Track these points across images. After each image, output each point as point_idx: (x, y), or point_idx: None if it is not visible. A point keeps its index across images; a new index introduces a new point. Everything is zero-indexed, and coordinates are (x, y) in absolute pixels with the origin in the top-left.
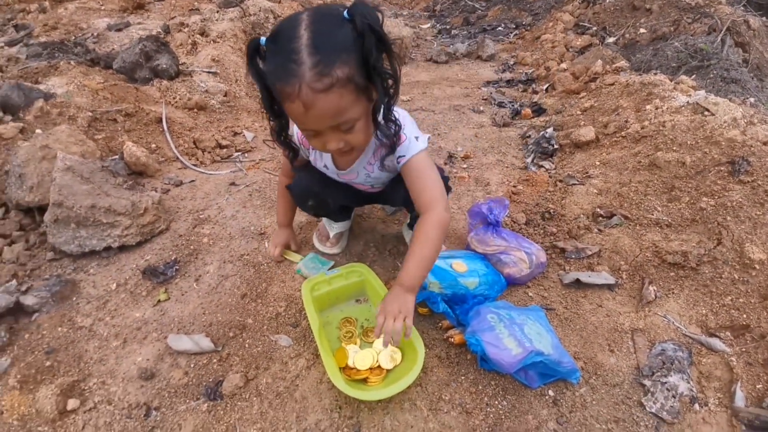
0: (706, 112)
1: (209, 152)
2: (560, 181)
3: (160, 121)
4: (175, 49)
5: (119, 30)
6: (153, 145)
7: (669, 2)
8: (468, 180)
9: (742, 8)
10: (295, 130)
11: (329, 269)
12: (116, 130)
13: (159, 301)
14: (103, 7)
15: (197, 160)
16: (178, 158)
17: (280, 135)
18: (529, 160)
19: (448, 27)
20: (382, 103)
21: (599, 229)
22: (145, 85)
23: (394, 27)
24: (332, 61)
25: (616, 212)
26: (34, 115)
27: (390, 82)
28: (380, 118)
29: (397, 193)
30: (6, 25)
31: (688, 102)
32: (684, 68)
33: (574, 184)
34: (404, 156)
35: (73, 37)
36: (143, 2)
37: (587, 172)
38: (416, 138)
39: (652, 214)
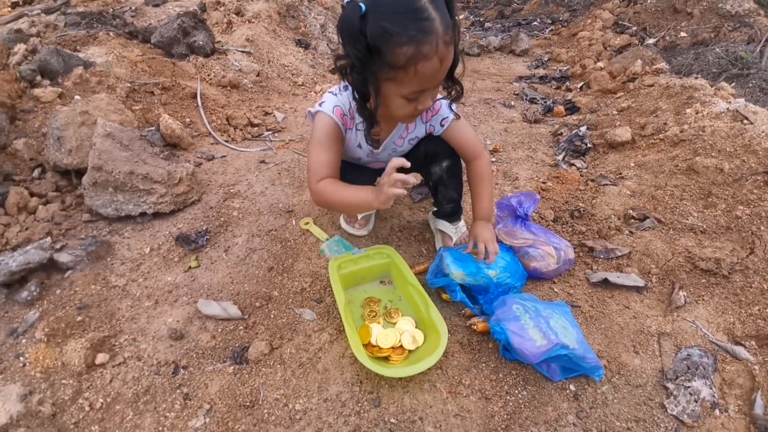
0: (745, 121)
1: (241, 129)
2: (592, 180)
3: (194, 96)
4: (210, 26)
5: (156, 5)
6: (187, 119)
7: (710, 8)
8: (496, 173)
9: None
10: (330, 110)
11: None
12: (153, 102)
13: (190, 267)
14: None
15: (229, 136)
16: (210, 133)
17: (366, 109)
18: (560, 157)
19: (481, 19)
20: (457, 60)
21: (630, 231)
22: (182, 60)
23: None
24: (446, 15)
25: (650, 215)
26: (73, 81)
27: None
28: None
29: (411, 163)
30: None
31: (728, 109)
32: (724, 75)
33: (607, 185)
34: (447, 118)
35: (111, 10)
36: None
37: (621, 173)
38: (448, 105)
39: (687, 219)
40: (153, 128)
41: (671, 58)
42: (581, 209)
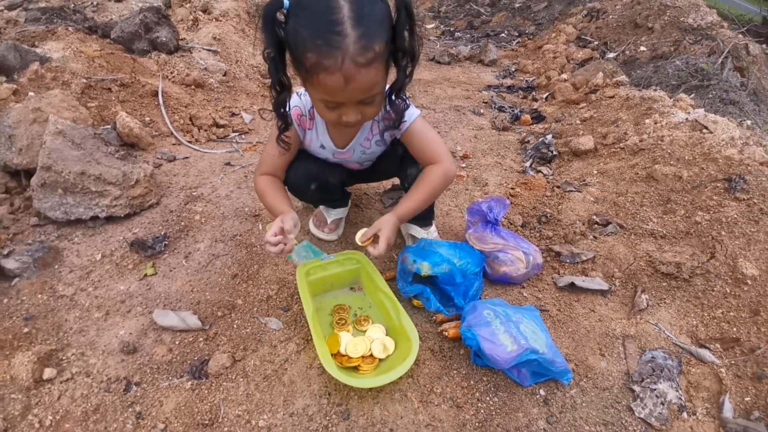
0: (704, 130)
1: (205, 130)
2: (558, 186)
3: (156, 94)
4: (175, 23)
5: (119, 1)
6: (147, 118)
7: (671, 22)
8: (466, 179)
9: (742, 35)
10: (291, 111)
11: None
12: (110, 99)
13: (146, 275)
14: None
15: (192, 137)
16: (172, 133)
17: (281, 106)
18: (527, 164)
19: (452, 29)
20: (401, 80)
21: (594, 236)
22: (143, 56)
23: None
24: (373, 35)
25: (612, 220)
26: (28, 77)
27: (408, 61)
28: (392, 95)
29: (387, 165)
30: None
31: (687, 119)
32: (684, 87)
33: (571, 191)
34: (405, 121)
35: (73, 5)
36: None
37: (584, 180)
38: (412, 106)
39: (648, 225)
40: (109, 126)
41: (631, 71)
42: (548, 215)
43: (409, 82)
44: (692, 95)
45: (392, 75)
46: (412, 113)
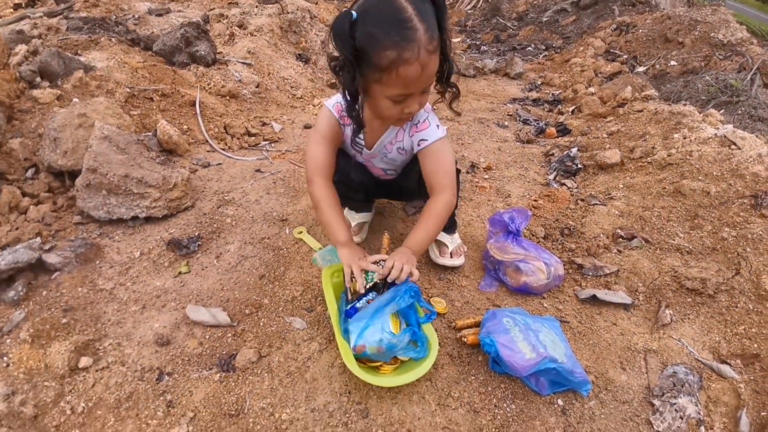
0: (732, 146)
1: (238, 138)
2: (582, 200)
3: (193, 104)
4: (213, 38)
5: (160, 15)
6: (185, 126)
7: (701, 38)
8: (489, 190)
9: None
10: (332, 106)
11: None
12: (151, 108)
13: (180, 272)
14: None
15: (225, 144)
16: (207, 141)
17: (354, 109)
18: (551, 177)
19: (478, 43)
20: (445, 68)
21: (618, 250)
22: (182, 69)
23: None
24: (433, 27)
25: (637, 235)
26: (72, 84)
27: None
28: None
29: (410, 179)
30: None
31: (715, 134)
32: (713, 102)
33: (596, 204)
34: (426, 140)
35: (114, 17)
36: None
37: (610, 194)
38: (437, 126)
39: (674, 240)
40: (150, 133)
41: (661, 86)
42: (571, 227)
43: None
44: (721, 111)
45: None
46: (435, 134)
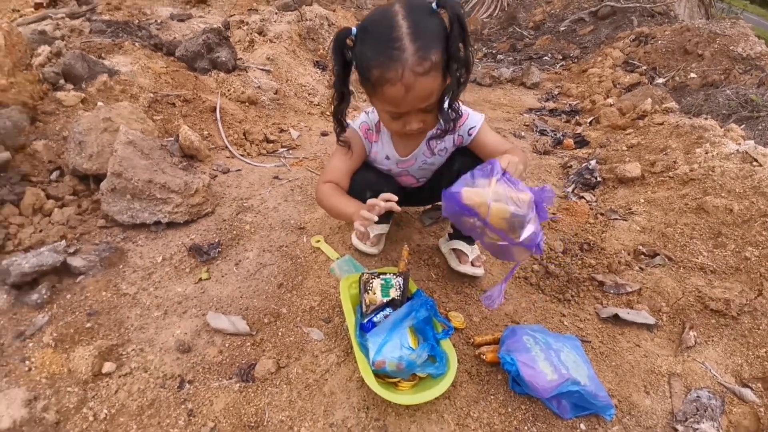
0: (754, 162)
1: (257, 145)
2: (602, 214)
3: (214, 110)
4: (233, 44)
5: (181, 20)
6: (205, 132)
7: (721, 50)
8: None
9: None
10: (357, 125)
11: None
12: (174, 113)
13: (200, 279)
14: None
15: (245, 151)
16: (227, 147)
17: (339, 114)
18: (569, 189)
19: (494, 51)
20: (452, 89)
21: (641, 267)
22: (204, 74)
23: None
24: (429, 47)
25: (660, 252)
26: (97, 88)
27: (463, 71)
28: (445, 104)
29: (441, 181)
30: None
31: (737, 150)
32: (734, 117)
33: (616, 219)
34: (474, 126)
35: (137, 21)
36: None
37: (630, 209)
38: (473, 111)
39: (697, 258)
40: (172, 138)
41: (681, 99)
42: (591, 242)
43: (463, 89)
44: (742, 126)
45: None
46: (477, 118)
